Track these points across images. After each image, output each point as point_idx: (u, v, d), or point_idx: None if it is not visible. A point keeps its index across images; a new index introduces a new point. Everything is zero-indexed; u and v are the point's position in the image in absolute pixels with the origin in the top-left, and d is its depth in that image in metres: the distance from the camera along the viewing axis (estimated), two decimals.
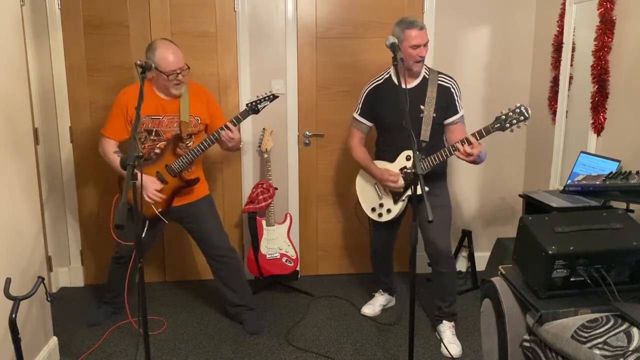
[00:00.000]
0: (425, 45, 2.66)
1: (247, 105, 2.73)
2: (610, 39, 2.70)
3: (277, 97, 2.77)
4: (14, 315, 1.92)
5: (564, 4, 3.13)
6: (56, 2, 3.24)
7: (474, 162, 2.56)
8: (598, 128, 2.81)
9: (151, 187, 2.66)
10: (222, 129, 2.67)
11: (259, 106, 2.73)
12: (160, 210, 2.74)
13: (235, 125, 2.69)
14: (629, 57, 2.62)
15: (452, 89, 2.74)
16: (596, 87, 2.79)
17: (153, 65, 2.54)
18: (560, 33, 3.19)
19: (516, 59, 3.60)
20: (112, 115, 2.76)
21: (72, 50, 3.31)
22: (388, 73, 2.81)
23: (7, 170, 2.21)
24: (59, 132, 3.39)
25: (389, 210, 2.85)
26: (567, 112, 3.16)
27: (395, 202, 2.81)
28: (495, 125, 2.47)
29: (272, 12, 3.40)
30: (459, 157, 2.55)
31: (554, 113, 3.27)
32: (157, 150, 2.75)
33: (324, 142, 3.62)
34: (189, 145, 2.78)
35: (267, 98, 2.72)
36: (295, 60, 3.47)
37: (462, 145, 2.50)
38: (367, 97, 2.85)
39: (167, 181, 2.74)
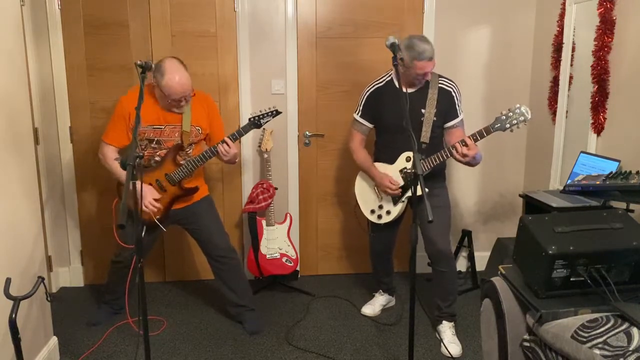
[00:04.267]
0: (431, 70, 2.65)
1: (249, 119, 2.75)
2: (610, 39, 2.70)
3: (280, 112, 2.80)
4: (14, 315, 1.92)
5: (564, 4, 3.13)
6: (56, 2, 3.24)
7: (469, 164, 2.59)
8: (598, 128, 2.81)
9: (148, 196, 2.64)
10: (219, 143, 2.67)
11: (262, 121, 2.75)
12: (158, 217, 2.74)
13: (234, 140, 2.69)
14: (629, 57, 2.62)
15: (452, 93, 2.74)
16: (596, 87, 2.79)
17: (159, 82, 2.55)
18: (560, 33, 3.19)
19: (516, 59, 3.59)
20: (113, 122, 2.75)
21: (72, 50, 3.31)
22: (390, 75, 2.81)
23: (7, 170, 2.21)
24: (59, 132, 3.39)
25: (388, 212, 2.85)
26: (567, 112, 3.16)
27: (395, 203, 2.82)
28: (496, 126, 2.49)
29: (272, 12, 3.40)
30: (455, 157, 2.58)
31: (554, 113, 3.27)
32: (157, 158, 2.75)
33: (324, 142, 3.62)
34: (189, 153, 2.78)
35: (270, 114, 2.76)
36: (295, 60, 3.47)
37: (461, 146, 2.53)
38: (368, 99, 2.85)
39: (165, 189, 2.74)
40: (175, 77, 2.53)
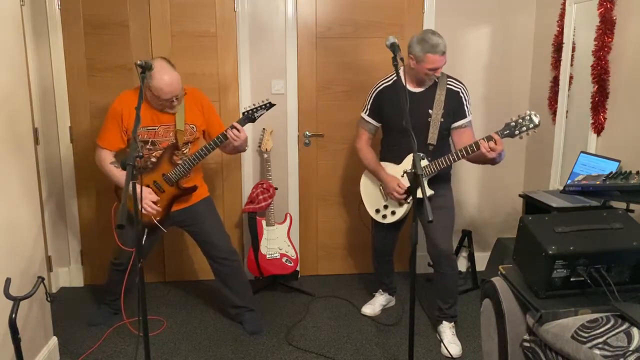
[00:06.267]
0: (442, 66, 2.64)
1: (243, 113, 2.71)
2: (610, 39, 2.70)
3: (274, 105, 2.74)
4: (13, 315, 1.92)
5: (564, 4, 3.13)
6: (56, 2, 3.24)
7: (492, 161, 2.54)
8: (598, 128, 2.81)
9: (147, 198, 2.63)
10: (229, 129, 2.62)
11: (256, 114, 2.69)
12: (158, 218, 2.74)
13: (242, 125, 2.65)
14: (629, 57, 2.62)
15: (460, 94, 2.73)
16: (596, 87, 2.79)
17: (148, 84, 2.51)
18: (560, 33, 3.19)
19: (516, 59, 3.60)
20: (107, 125, 2.72)
21: (72, 50, 3.31)
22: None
23: (7, 170, 2.21)
24: (59, 132, 3.39)
25: (393, 212, 2.85)
26: (567, 112, 3.16)
27: (401, 204, 2.81)
28: (505, 132, 2.46)
29: (272, 12, 3.40)
30: (481, 150, 2.49)
31: (554, 113, 3.27)
32: (154, 159, 2.73)
33: (324, 142, 3.62)
34: (185, 152, 2.77)
35: (263, 106, 2.68)
36: (295, 60, 3.47)
37: (487, 141, 2.46)
38: (375, 98, 2.84)
39: (164, 190, 2.73)
40: (164, 77, 2.52)
